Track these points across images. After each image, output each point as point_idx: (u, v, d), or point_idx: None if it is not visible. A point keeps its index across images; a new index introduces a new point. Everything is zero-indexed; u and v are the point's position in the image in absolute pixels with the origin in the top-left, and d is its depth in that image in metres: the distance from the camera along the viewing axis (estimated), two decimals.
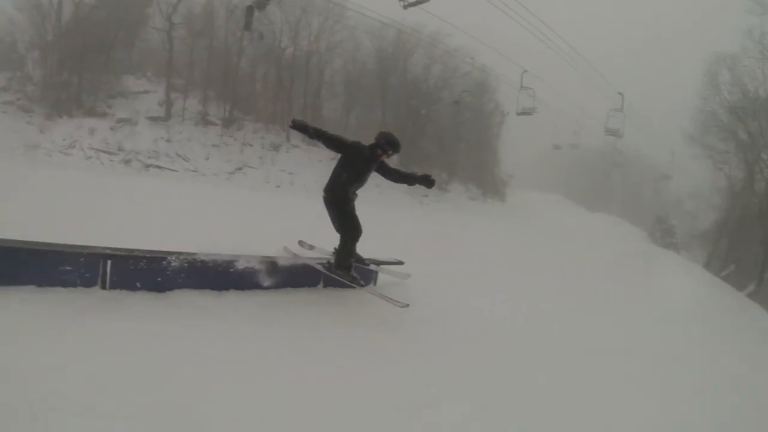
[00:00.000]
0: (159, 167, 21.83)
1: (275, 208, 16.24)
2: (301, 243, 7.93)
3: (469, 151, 36.61)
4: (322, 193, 6.87)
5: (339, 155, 6.84)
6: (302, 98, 28.73)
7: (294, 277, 6.91)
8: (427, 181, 6.86)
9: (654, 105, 44.35)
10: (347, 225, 6.78)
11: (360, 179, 6.92)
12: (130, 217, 8.99)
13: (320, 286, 7.24)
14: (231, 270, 6.25)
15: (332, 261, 6.84)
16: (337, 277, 6.71)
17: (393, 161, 20.42)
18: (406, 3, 18.03)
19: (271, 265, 6.59)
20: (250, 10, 20.77)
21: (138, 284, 5.54)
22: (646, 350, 8.18)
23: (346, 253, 6.72)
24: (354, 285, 6.76)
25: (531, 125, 43.40)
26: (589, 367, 6.76)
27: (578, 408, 5.42)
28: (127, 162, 21.60)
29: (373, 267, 7.72)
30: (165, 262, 5.80)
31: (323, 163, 25.77)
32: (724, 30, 30.69)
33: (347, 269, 6.69)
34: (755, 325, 16.65)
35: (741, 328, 14.08)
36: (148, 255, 5.73)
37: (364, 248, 7.63)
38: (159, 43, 26.04)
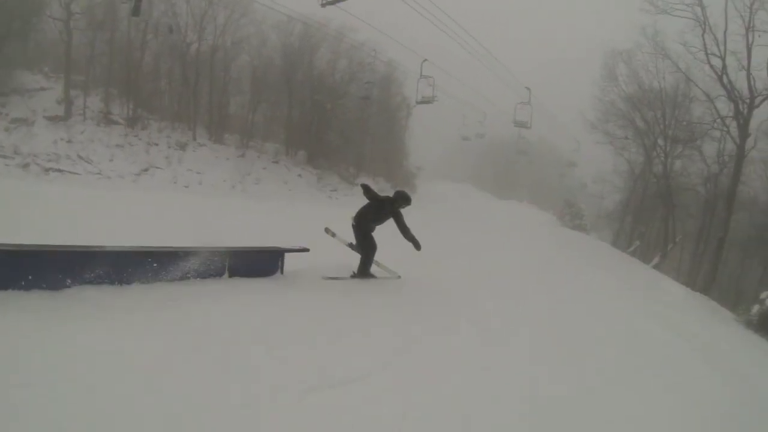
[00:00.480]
0: (60, 171, 20.91)
1: (184, 209, 15.80)
2: (326, 230, 9.57)
3: (376, 145, 38.35)
4: (351, 220, 9.46)
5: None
6: (208, 95, 28.99)
7: (200, 267, 7.03)
8: (416, 246, 9.38)
9: (558, 96, 48.20)
10: (367, 246, 9.32)
11: (380, 220, 9.45)
12: (28, 224, 8.81)
13: (225, 275, 7.44)
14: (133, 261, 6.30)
15: (356, 273, 9.28)
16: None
17: (301, 157, 22.50)
18: (324, 1, 18.37)
19: (174, 256, 6.77)
20: None
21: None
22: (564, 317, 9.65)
23: (367, 265, 9.35)
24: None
25: (440, 118, 45.86)
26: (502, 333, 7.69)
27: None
28: (25, 166, 20.56)
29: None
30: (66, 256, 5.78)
31: (230, 161, 26.82)
32: (620, 27, 34.52)
33: (369, 276, 9.34)
34: (663, 291, 19.96)
35: (652, 297, 16.20)
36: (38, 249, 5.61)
37: (272, 239, 8.99)
38: (57, 35, 24.77)
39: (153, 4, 26.53)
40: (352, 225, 9.45)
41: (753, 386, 8.44)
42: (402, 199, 9.52)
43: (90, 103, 24.75)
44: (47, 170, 20.61)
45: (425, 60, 23.62)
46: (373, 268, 9.64)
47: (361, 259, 9.43)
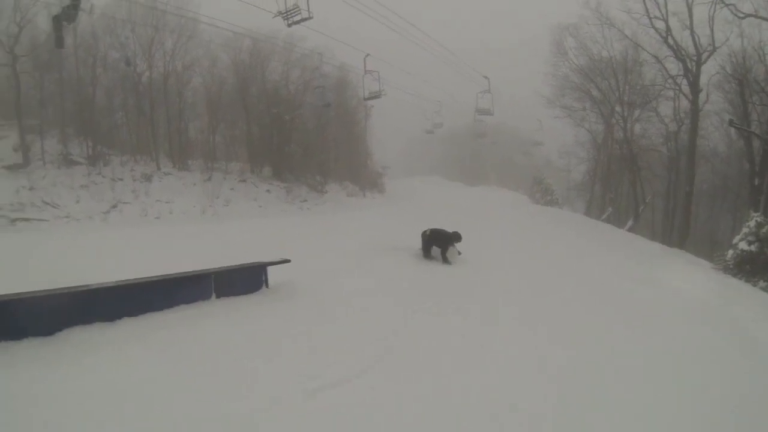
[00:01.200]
0: (26, 220, 20.12)
1: (159, 240, 15.86)
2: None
3: (339, 150, 38.37)
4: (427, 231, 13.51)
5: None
6: (166, 123, 28.62)
7: (185, 292, 7.22)
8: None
9: (513, 78, 48.85)
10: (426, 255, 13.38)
11: (440, 244, 13.19)
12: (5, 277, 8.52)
13: (213, 297, 7.61)
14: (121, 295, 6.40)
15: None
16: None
17: (267, 173, 22.61)
18: (290, 21, 18.36)
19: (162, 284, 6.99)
20: (57, 22, 17.86)
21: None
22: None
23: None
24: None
25: (398, 114, 46.30)
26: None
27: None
28: None
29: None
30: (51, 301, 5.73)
31: (197, 186, 26.45)
32: (564, 3, 35.26)
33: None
34: (640, 250, 20.48)
35: (629, 258, 17.20)
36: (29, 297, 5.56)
37: (251, 255, 9.21)
38: (3, 80, 24.10)
39: (98, 38, 26.28)
40: (426, 234, 13.56)
41: (729, 321, 8.97)
42: (456, 237, 13.28)
43: (48, 147, 24.14)
44: (14, 221, 19.88)
45: (368, 55, 23.66)
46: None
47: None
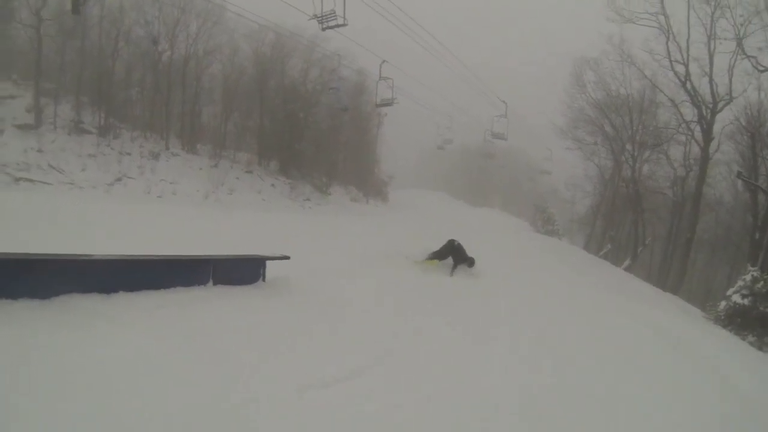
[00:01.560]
0: (31, 180, 20.13)
1: (160, 219, 15.85)
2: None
3: (348, 154, 38.59)
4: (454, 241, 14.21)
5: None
6: (180, 104, 28.77)
7: (184, 275, 7.12)
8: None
9: (529, 104, 49.01)
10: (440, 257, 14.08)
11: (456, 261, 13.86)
12: (7, 234, 8.83)
13: (210, 284, 7.49)
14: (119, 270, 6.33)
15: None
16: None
17: (274, 167, 22.70)
18: (324, 26, 18.38)
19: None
20: None
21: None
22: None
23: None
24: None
25: (413, 126, 46.46)
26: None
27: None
28: None
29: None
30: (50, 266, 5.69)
31: (204, 171, 26.55)
32: (587, 36, 35.43)
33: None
34: (634, 290, 20.21)
35: (624, 296, 16.50)
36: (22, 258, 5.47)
37: (249, 247, 9.31)
38: (26, 42, 24.28)
39: (125, 12, 26.45)
40: (454, 243, 14.13)
41: (717, 370, 8.84)
42: (471, 261, 14.01)
43: (61, 112, 24.24)
44: (17, 180, 19.96)
45: (384, 61, 23.20)
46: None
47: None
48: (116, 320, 5.27)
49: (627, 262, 34.01)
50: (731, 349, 11.57)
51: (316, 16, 18.02)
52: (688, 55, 28.86)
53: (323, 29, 18.67)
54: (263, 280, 8.55)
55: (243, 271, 8.33)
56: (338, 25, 18.12)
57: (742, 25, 25.69)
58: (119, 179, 22.99)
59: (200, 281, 7.34)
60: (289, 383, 4.60)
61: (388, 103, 25.70)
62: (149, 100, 28.28)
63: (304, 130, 33.60)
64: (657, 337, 10.50)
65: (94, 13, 25.52)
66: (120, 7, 26.16)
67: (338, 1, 17.48)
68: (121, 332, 5.01)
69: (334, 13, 17.66)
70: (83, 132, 24.50)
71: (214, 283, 7.50)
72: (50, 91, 24.39)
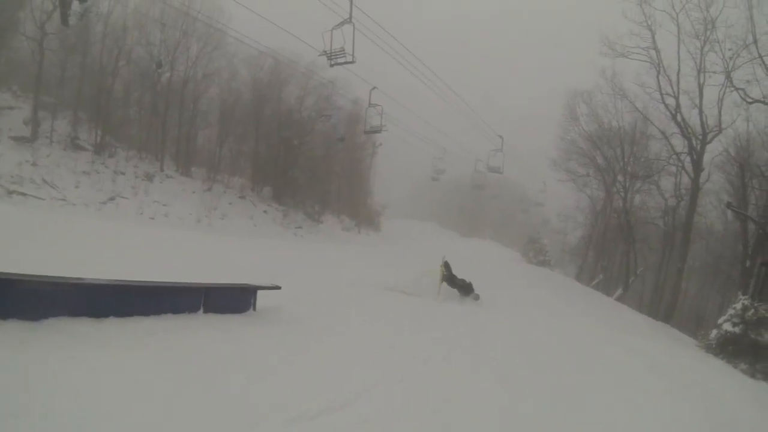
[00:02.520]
0: (23, 194, 19.60)
1: (151, 242, 16.09)
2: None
3: (341, 182, 38.60)
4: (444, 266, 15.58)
5: None
6: (177, 126, 28.72)
7: (175, 302, 7.16)
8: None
9: (521, 136, 49.46)
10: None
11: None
12: None
13: (200, 311, 7.56)
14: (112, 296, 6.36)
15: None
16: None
17: (267, 193, 22.67)
18: (333, 62, 18.55)
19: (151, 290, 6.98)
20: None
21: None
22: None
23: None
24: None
25: (406, 156, 46.65)
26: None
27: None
28: None
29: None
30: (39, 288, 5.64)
31: (197, 194, 26.39)
32: (582, 70, 36.10)
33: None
34: (625, 319, 20.33)
35: (615, 326, 17.11)
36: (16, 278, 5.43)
37: (240, 274, 9.38)
38: (28, 54, 24.12)
39: (127, 31, 26.57)
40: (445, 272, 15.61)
41: (705, 398, 8.89)
42: (469, 289, 15.66)
43: (57, 126, 24.04)
44: (10, 192, 19.48)
45: (374, 88, 23.10)
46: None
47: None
48: (106, 346, 5.33)
49: (618, 292, 34.08)
50: (722, 379, 11.54)
51: (325, 53, 18.22)
52: (678, 88, 29.54)
53: (332, 65, 18.91)
54: (254, 309, 8.67)
55: (234, 299, 8.41)
56: (347, 62, 18.38)
57: (730, 58, 26.22)
58: (112, 198, 22.66)
59: (191, 308, 7.48)
60: (276, 415, 4.66)
61: (376, 130, 25.58)
62: (146, 120, 28.18)
63: (298, 158, 33.67)
64: (646, 367, 10.53)
65: (97, 30, 25.68)
66: (123, 25, 26.27)
67: (347, 38, 17.62)
68: (111, 358, 5.06)
69: (344, 50, 17.93)
70: (79, 148, 24.27)
71: (205, 311, 7.66)
72: (49, 104, 24.25)
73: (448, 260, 15.90)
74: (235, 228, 25.84)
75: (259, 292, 8.77)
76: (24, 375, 4.25)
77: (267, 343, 6.94)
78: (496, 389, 6.80)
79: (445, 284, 15.49)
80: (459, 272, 16.08)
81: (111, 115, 26.30)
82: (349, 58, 18.23)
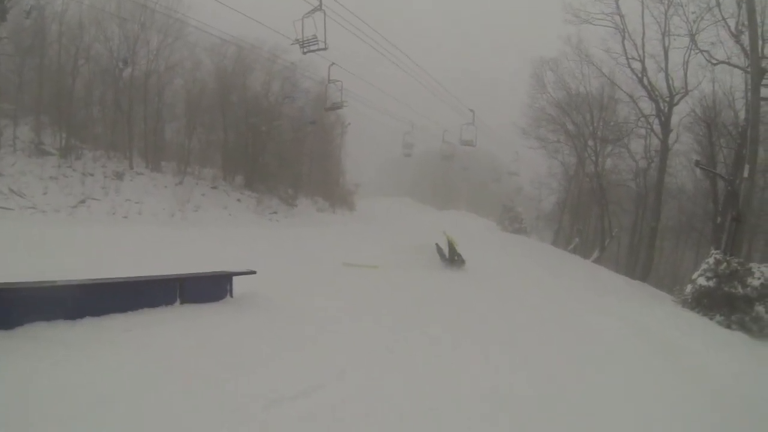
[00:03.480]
0: None
1: (125, 240, 15.88)
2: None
3: (313, 165, 38.41)
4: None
5: None
6: (143, 122, 28.12)
7: (150, 296, 7.22)
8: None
9: (491, 106, 49.47)
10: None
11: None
12: None
13: (177, 303, 7.60)
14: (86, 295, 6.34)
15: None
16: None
17: (239, 181, 22.49)
18: (306, 50, 18.53)
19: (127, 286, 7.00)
20: None
21: None
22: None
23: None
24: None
25: (375, 134, 46.45)
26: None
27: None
28: None
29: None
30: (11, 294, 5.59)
31: (169, 188, 26.02)
32: (547, 39, 36.13)
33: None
34: (603, 281, 20.69)
35: (592, 288, 17.57)
36: None
37: (217, 264, 9.35)
38: None
39: (84, 28, 25.76)
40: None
41: (676, 350, 9.36)
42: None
43: (20, 133, 23.39)
44: None
45: (332, 64, 22.41)
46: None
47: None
48: (83, 347, 5.32)
49: (595, 254, 34.68)
50: (696, 331, 11.89)
51: (298, 41, 18.24)
52: (643, 52, 29.98)
53: (305, 53, 18.96)
54: (231, 295, 8.70)
55: (210, 288, 8.40)
56: (319, 49, 18.41)
57: (694, 21, 26.57)
58: (83, 201, 22.22)
59: (167, 301, 7.50)
60: (255, 399, 4.73)
61: (338, 107, 25.40)
62: (111, 118, 27.58)
63: (268, 143, 33.27)
64: (623, 325, 11.00)
65: (53, 30, 24.91)
66: (79, 23, 25.48)
67: (319, 25, 17.61)
68: (88, 359, 5.04)
69: (316, 38, 17.97)
70: (44, 153, 23.65)
71: (182, 302, 7.68)
72: (8, 111, 23.52)
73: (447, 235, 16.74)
74: (209, 219, 25.61)
75: (237, 279, 8.81)
76: (14, 385, 4.29)
77: (244, 330, 7.00)
78: (481, 362, 6.94)
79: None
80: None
81: (74, 116, 25.60)
82: (322, 45, 18.24)
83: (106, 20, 26.33)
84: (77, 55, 25.65)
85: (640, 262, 32.38)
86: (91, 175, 24.16)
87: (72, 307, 6.04)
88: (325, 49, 18.34)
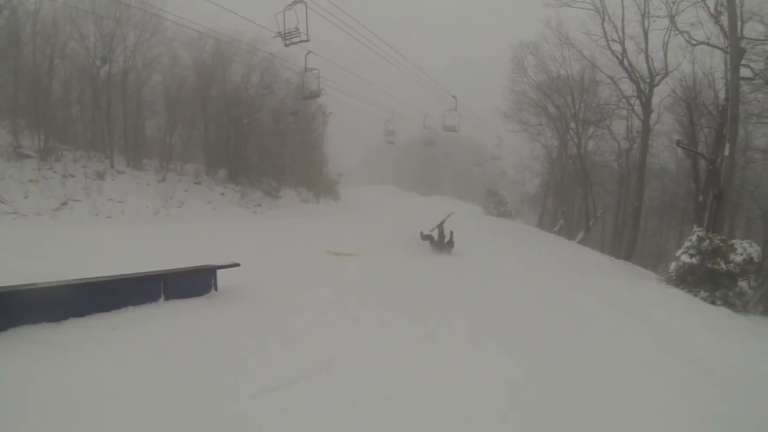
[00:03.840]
0: None
1: (110, 241, 15.48)
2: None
3: (295, 156, 38.33)
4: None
5: None
6: (123, 120, 27.80)
7: (134, 294, 7.18)
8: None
9: (473, 92, 49.47)
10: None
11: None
12: None
13: (161, 299, 7.57)
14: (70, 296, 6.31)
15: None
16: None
17: (222, 175, 22.37)
18: (288, 42, 18.69)
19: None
20: None
21: None
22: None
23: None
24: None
25: (359, 124, 46.41)
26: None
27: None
28: None
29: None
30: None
31: (151, 186, 25.82)
32: (525, 21, 36.16)
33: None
34: (588, 261, 20.74)
35: (577, 269, 17.48)
36: None
37: (202, 259, 9.13)
38: None
39: (59, 27, 25.36)
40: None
41: (662, 327, 9.53)
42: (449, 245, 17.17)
43: None
44: None
45: (309, 52, 22.21)
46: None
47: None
48: (70, 348, 5.32)
49: (580, 236, 34.90)
50: (680, 308, 12.10)
51: (279, 33, 18.36)
52: (623, 34, 30.17)
53: (286, 45, 19.08)
54: (215, 289, 8.66)
55: (194, 282, 8.35)
56: (302, 41, 18.57)
57: (674, 2, 26.63)
58: (64, 203, 21.89)
59: (151, 298, 7.45)
60: (241, 391, 4.80)
61: (315, 95, 25.48)
62: (90, 117, 27.23)
63: (250, 136, 33.20)
64: (606, 303, 11.06)
65: (27, 30, 24.53)
66: (53, 21, 25.09)
67: (301, 17, 17.81)
68: (76, 359, 5.07)
69: (298, 30, 18.09)
70: (23, 156, 23.29)
71: (166, 298, 7.64)
72: None
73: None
74: (194, 214, 25.42)
75: (222, 273, 8.77)
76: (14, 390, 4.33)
77: (228, 323, 7.01)
78: (471, 348, 6.97)
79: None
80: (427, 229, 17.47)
81: (52, 117, 25.23)
82: (304, 37, 18.38)
83: (81, 18, 25.97)
84: (53, 54, 25.30)
85: (625, 241, 32.72)
86: (72, 176, 23.85)
87: (55, 309, 6.02)
88: (307, 41, 18.50)
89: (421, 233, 17.68)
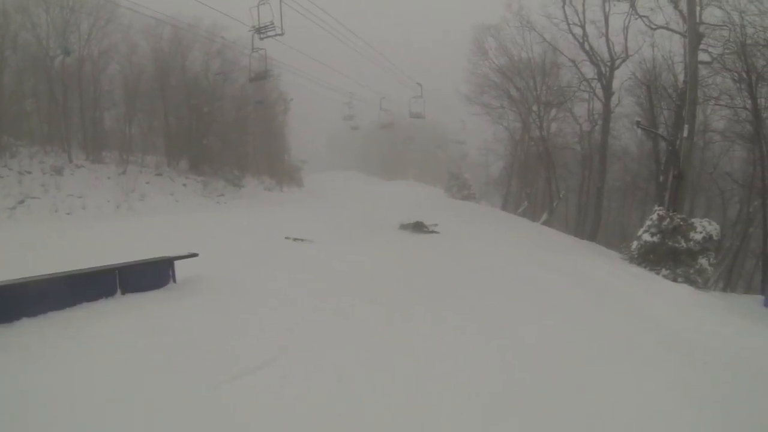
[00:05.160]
0: None
1: (67, 240, 14.52)
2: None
3: (257, 144, 38.01)
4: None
5: None
6: (80, 112, 26.98)
7: (89, 289, 7.11)
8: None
9: (433, 73, 49.48)
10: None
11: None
12: None
13: (118, 293, 7.52)
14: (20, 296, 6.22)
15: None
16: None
17: (184, 166, 22.06)
18: (263, 36, 19.00)
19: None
20: None
21: None
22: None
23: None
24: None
25: (320, 110, 46.13)
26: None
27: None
28: None
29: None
30: None
31: (112, 179, 25.15)
32: (489, 3, 36.30)
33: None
34: (553, 241, 21.30)
35: (541, 248, 17.95)
36: None
37: (162, 251, 9.01)
38: None
39: (8, 16, 24.34)
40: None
41: (627, 304, 9.99)
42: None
43: None
44: None
45: (252, 30, 21.67)
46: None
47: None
48: (25, 349, 5.30)
49: (544, 217, 35.56)
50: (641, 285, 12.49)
51: (255, 28, 18.75)
52: (584, 18, 30.95)
53: (261, 39, 19.44)
54: (174, 281, 8.75)
55: (151, 275, 8.30)
56: (276, 35, 18.86)
57: None
58: (22, 201, 21.11)
59: (107, 293, 7.39)
60: (198, 382, 4.82)
61: (262, 77, 25.47)
62: (45, 111, 26.23)
63: (211, 125, 32.65)
64: (568, 280, 11.58)
65: None
66: (2, 11, 24.05)
67: (276, 11, 18.20)
68: (28, 362, 5.03)
69: (273, 24, 18.46)
70: None
71: (123, 292, 7.60)
72: None
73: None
74: (156, 206, 24.91)
75: (181, 264, 8.75)
76: None
77: (186, 315, 7.00)
78: (434, 326, 7.17)
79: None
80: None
81: (5, 111, 24.21)
82: (279, 31, 18.75)
83: (32, 6, 25.03)
84: (3, 45, 24.24)
85: (588, 222, 33.47)
86: (29, 172, 23.06)
87: (5, 309, 5.94)
88: (282, 34, 18.77)
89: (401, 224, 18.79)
